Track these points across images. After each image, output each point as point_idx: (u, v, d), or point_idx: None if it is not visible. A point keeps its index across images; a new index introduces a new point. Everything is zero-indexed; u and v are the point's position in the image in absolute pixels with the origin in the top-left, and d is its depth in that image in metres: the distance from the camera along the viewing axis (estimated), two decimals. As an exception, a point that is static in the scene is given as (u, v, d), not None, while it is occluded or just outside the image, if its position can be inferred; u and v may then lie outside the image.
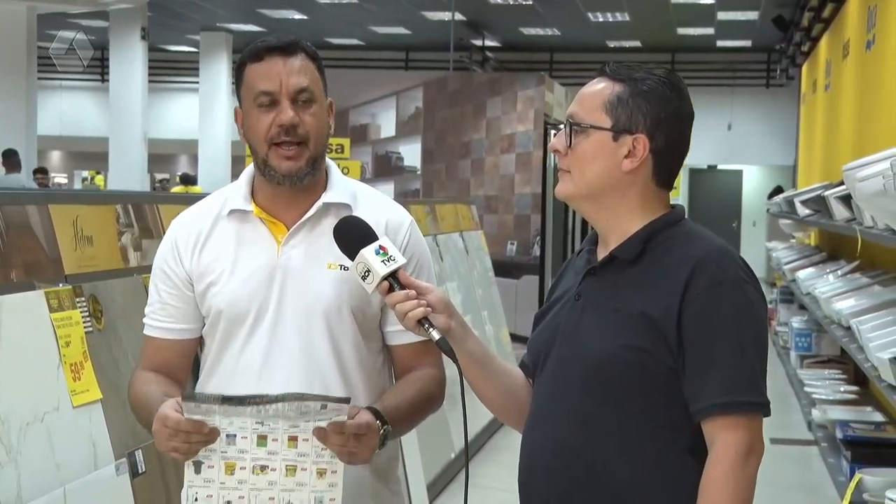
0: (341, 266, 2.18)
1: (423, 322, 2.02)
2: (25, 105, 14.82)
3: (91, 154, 24.58)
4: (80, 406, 2.71)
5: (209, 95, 20.20)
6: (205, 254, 2.24)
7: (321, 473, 2.04)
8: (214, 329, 2.25)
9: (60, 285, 2.77)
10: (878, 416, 6.48)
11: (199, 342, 2.32)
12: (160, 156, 24.12)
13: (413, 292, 2.03)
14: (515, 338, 8.74)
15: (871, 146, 6.89)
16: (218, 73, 20.20)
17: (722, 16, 17.07)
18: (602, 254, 2.08)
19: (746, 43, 19.83)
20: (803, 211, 8.18)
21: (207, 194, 2.40)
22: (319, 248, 2.21)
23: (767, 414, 1.95)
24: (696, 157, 20.97)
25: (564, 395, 2.03)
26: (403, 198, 11.33)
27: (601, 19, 17.76)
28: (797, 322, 9.18)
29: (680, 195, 19.72)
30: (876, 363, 4.39)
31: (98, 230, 3.03)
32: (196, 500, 2.04)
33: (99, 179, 23.32)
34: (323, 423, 2.02)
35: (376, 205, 2.30)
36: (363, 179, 9.18)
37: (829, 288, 6.87)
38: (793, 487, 6.63)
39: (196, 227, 2.27)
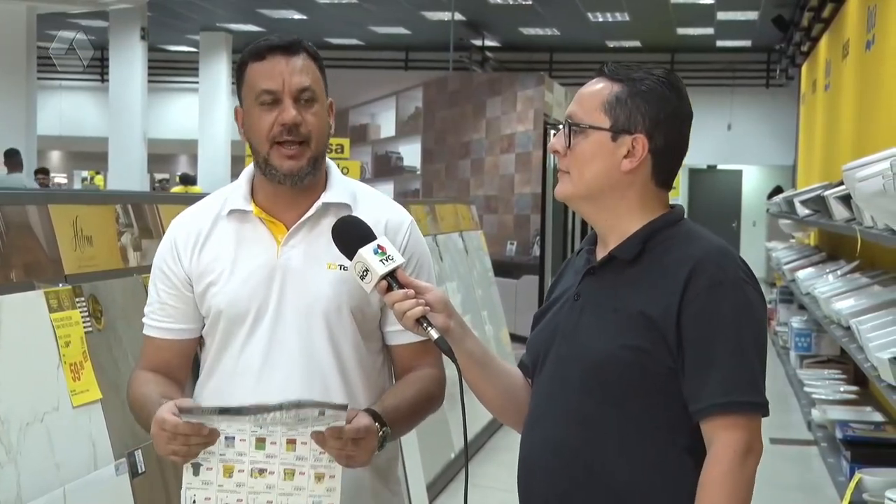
0: (341, 266, 2.18)
1: (421, 321, 2.02)
2: (25, 105, 14.82)
3: (91, 154, 24.58)
4: (80, 406, 2.71)
5: (209, 95, 20.20)
6: (204, 254, 2.24)
7: (319, 477, 2.04)
8: (214, 329, 2.25)
9: (60, 285, 2.77)
10: (878, 416, 6.49)
11: (199, 342, 2.32)
12: (160, 156, 24.11)
13: (412, 291, 2.03)
14: (515, 338, 8.74)
15: (871, 146, 6.89)
16: (218, 73, 20.20)
17: (722, 16, 17.07)
18: (601, 254, 2.08)
19: (746, 43, 19.83)
20: (803, 211, 8.18)
21: (207, 194, 2.40)
22: (319, 247, 2.21)
23: (766, 414, 1.95)
24: (696, 157, 20.98)
25: (563, 395, 2.03)
26: (403, 198, 11.32)
27: (601, 19, 17.76)
28: (797, 322, 9.18)
29: (680, 195, 19.69)
30: (876, 363, 4.39)
31: (98, 230, 3.03)
32: (194, 502, 2.04)
33: (98, 179, 23.32)
34: (321, 428, 2.02)
35: (376, 205, 2.30)
36: (363, 179, 9.17)
37: (829, 288, 6.87)
38: (792, 487, 6.63)
39: (196, 227, 2.27)
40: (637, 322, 1.96)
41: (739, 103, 21.54)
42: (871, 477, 4.70)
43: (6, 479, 2.40)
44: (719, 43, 19.91)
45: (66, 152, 27.71)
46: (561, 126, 2.08)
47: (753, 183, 23.25)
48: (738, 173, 23.54)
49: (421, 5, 17.03)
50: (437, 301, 2.05)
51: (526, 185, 12.53)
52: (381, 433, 2.10)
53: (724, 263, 1.97)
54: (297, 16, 18.33)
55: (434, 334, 2.02)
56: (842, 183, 5.44)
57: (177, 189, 18.14)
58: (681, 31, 18.78)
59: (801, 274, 8.43)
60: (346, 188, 2.28)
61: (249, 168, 2.30)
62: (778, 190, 15.43)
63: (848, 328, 5.44)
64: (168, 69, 23.36)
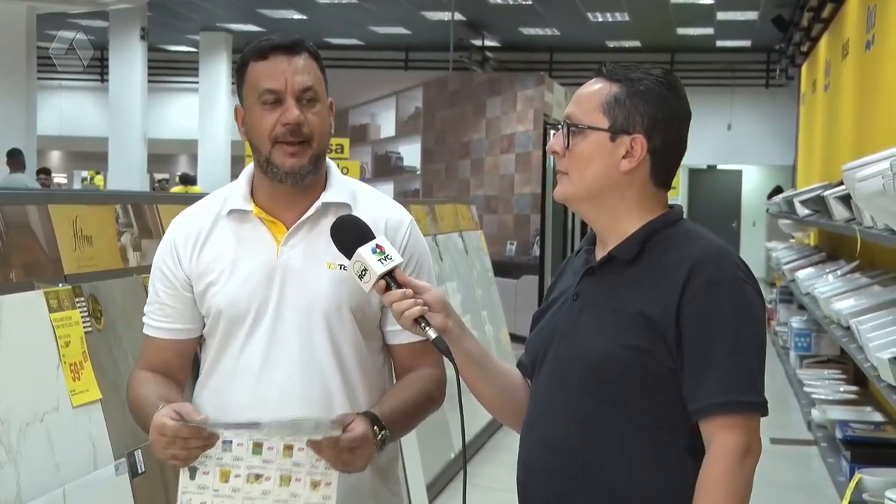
0: (341, 265, 2.18)
1: (419, 321, 2.02)
2: (25, 105, 14.81)
3: (90, 154, 24.58)
4: (80, 406, 2.71)
5: (209, 95, 20.20)
6: (204, 254, 2.24)
7: (315, 485, 2.03)
8: (215, 329, 2.25)
9: (60, 285, 2.77)
10: (878, 416, 6.49)
11: (199, 342, 2.32)
12: (160, 156, 24.12)
13: (410, 291, 2.03)
14: (515, 338, 8.74)
15: (871, 146, 6.89)
16: (218, 73, 20.20)
17: (721, 16, 17.07)
18: (600, 254, 2.08)
19: (746, 43, 19.83)
20: (803, 211, 8.18)
21: (207, 194, 2.40)
22: (319, 247, 2.21)
23: (765, 413, 1.95)
24: (696, 157, 20.99)
25: (563, 395, 2.03)
26: (403, 198, 11.32)
27: (601, 19, 17.76)
28: (797, 322, 9.18)
29: (679, 195, 19.72)
30: (875, 363, 4.39)
31: (98, 230, 3.03)
32: None
33: (98, 179, 23.31)
34: (318, 437, 2.02)
35: (376, 204, 2.30)
36: (363, 179, 9.17)
37: (829, 288, 6.87)
38: (792, 487, 6.63)
39: (195, 227, 2.27)
40: (636, 322, 1.96)
41: (739, 103, 21.54)
42: (870, 477, 4.70)
43: (6, 479, 2.40)
44: (719, 43, 19.91)
45: (65, 152, 27.71)
46: (560, 127, 2.08)
47: (753, 183, 23.26)
48: (738, 173, 23.54)
49: (421, 5, 17.03)
50: (435, 301, 2.05)
51: (526, 185, 12.52)
52: (379, 437, 2.10)
53: (723, 263, 1.97)
54: (297, 16, 18.33)
55: (432, 334, 2.02)
56: (842, 183, 5.44)
57: (177, 189, 18.14)
58: (681, 31, 18.78)
59: (800, 274, 8.43)
60: (345, 188, 2.28)
61: (249, 168, 2.30)
62: (778, 190, 15.44)
63: (848, 328, 5.44)
64: (168, 69, 23.36)
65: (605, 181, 2.02)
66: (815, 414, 7.08)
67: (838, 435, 6.09)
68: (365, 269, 2.04)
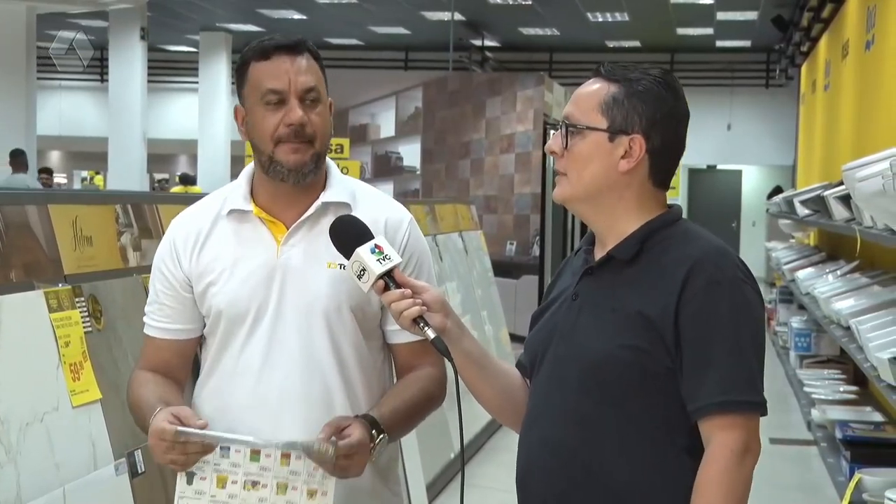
0: (341, 265, 2.18)
1: (418, 321, 2.02)
2: (25, 105, 14.81)
3: (90, 154, 24.58)
4: (80, 406, 2.71)
5: (209, 95, 20.20)
6: (204, 254, 2.24)
7: (311, 494, 2.03)
8: (215, 328, 2.25)
9: (60, 285, 2.77)
10: (878, 416, 6.49)
11: (200, 342, 2.32)
12: (160, 156, 24.12)
13: (408, 291, 2.03)
14: (515, 338, 8.73)
15: (871, 146, 6.89)
16: (217, 73, 20.20)
17: (721, 16, 17.07)
18: (599, 254, 2.08)
19: (746, 43, 19.83)
20: (803, 211, 8.18)
21: (207, 194, 2.40)
22: (319, 247, 2.21)
23: (764, 413, 1.95)
24: (696, 157, 21.00)
25: (561, 395, 2.03)
26: (403, 198, 11.31)
27: (600, 19, 17.76)
28: (796, 322, 9.18)
29: (679, 195, 19.71)
30: (875, 363, 4.39)
31: (97, 230, 3.03)
32: None
33: (98, 179, 23.32)
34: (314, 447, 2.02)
35: (375, 203, 2.30)
36: (363, 179, 9.16)
37: (829, 288, 6.88)
38: (792, 487, 6.63)
39: (195, 227, 2.27)
40: (635, 322, 1.96)
41: (739, 103, 21.54)
42: (870, 477, 4.70)
43: (6, 479, 2.40)
44: (719, 43, 19.91)
45: (65, 152, 27.71)
46: (558, 127, 2.08)
47: (753, 183, 23.25)
48: (738, 173, 23.54)
49: (421, 5, 17.03)
50: (434, 301, 2.05)
51: (526, 185, 12.52)
52: (378, 440, 2.11)
53: (722, 263, 1.97)
54: (297, 16, 18.33)
55: (431, 334, 2.02)
56: (841, 183, 5.44)
57: (176, 189, 18.14)
58: (680, 31, 18.78)
59: (800, 274, 8.43)
60: (345, 187, 2.28)
61: (249, 168, 2.30)
62: (778, 190, 15.44)
63: (848, 328, 5.44)
64: (168, 69, 23.36)
65: (604, 181, 2.02)
66: (815, 414, 7.08)
67: (838, 435, 6.09)
68: (364, 269, 2.04)
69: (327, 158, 2.29)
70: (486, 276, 8.45)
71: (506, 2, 16.56)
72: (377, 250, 2.05)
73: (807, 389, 7.80)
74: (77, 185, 26.00)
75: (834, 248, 9.52)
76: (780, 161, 20.95)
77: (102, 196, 4.02)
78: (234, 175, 2.37)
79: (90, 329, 2.84)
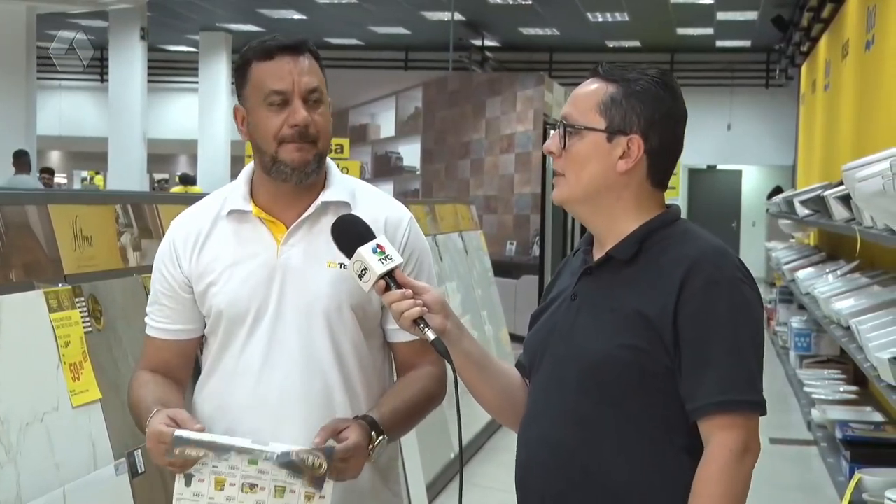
0: (341, 264, 2.18)
1: (418, 322, 2.02)
2: (25, 105, 14.81)
3: (90, 154, 24.57)
4: (80, 406, 2.71)
5: (209, 95, 20.20)
6: (204, 254, 2.25)
7: (309, 497, 2.03)
8: (216, 328, 2.25)
9: (60, 285, 2.77)
10: (878, 416, 6.49)
11: (200, 342, 2.32)
12: (160, 156, 24.11)
13: (409, 292, 2.03)
14: (515, 338, 8.73)
15: (871, 146, 6.89)
16: (217, 73, 20.20)
17: (721, 16, 17.07)
18: (598, 254, 2.08)
19: (746, 43, 19.83)
20: (803, 211, 8.18)
21: (207, 194, 2.40)
22: (319, 246, 2.21)
23: (763, 413, 1.95)
24: (696, 157, 20.99)
25: (560, 395, 2.03)
26: (403, 198, 11.27)
27: (600, 19, 17.76)
28: (796, 322, 9.18)
29: (679, 195, 19.74)
30: (875, 363, 4.39)
31: (97, 230, 3.03)
32: None
33: (98, 179, 23.32)
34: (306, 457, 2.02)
35: (375, 202, 2.30)
36: (363, 179, 9.16)
37: (829, 288, 6.88)
38: (792, 487, 6.63)
39: (195, 227, 2.27)
40: (634, 322, 1.96)
41: (739, 103, 21.54)
42: (870, 477, 4.70)
43: (6, 479, 2.40)
44: (719, 43, 19.91)
45: (65, 152, 27.71)
46: (556, 127, 2.08)
47: (753, 183, 23.25)
48: (738, 173, 23.54)
49: (421, 5, 17.03)
50: (434, 302, 2.05)
51: (526, 185, 12.52)
52: (377, 441, 2.12)
53: (721, 263, 1.97)
54: (297, 16, 18.34)
55: (430, 335, 2.02)
56: (841, 183, 5.44)
57: (176, 189, 18.14)
58: (680, 31, 18.78)
59: (800, 274, 8.43)
60: (345, 186, 2.28)
61: (248, 168, 2.30)
62: (778, 190, 15.43)
63: (848, 328, 5.44)
64: (168, 69, 23.36)
65: (602, 182, 2.02)
66: (815, 414, 7.08)
67: (838, 435, 6.09)
68: (365, 269, 2.04)
69: (327, 158, 2.29)
70: (486, 276, 8.45)
71: (506, 2, 16.56)
72: (379, 250, 2.05)
73: (807, 389, 7.80)
74: (77, 185, 26.00)
75: (834, 248, 9.52)
76: (780, 161, 20.95)
77: (102, 196, 4.02)
78: (234, 175, 2.37)
79: (90, 329, 2.84)
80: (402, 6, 17.06)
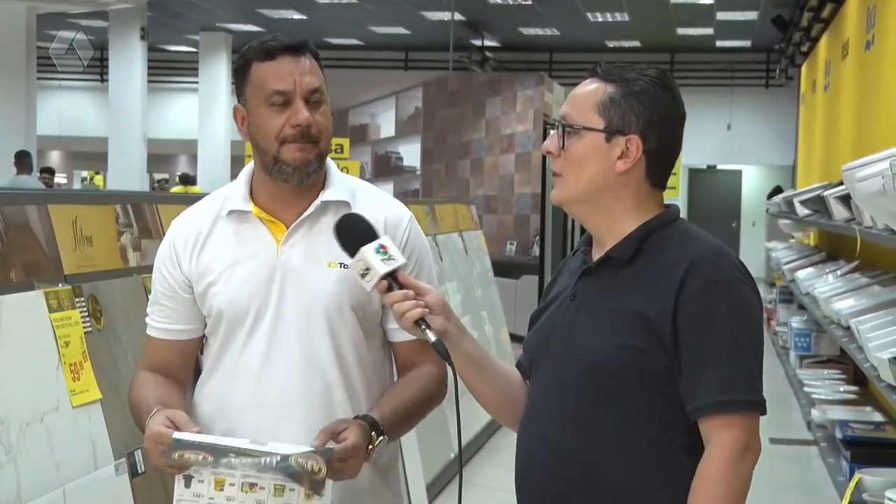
0: (341, 264, 2.19)
1: (419, 323, 2.02)
2: (25, 105, 14.81)
3: (90, 154, 24.58)
4: (80, 406, 2.71)
5: (209, 95, 20.20)
6: (204, 254, 2.25)
7: (309, 496, 2.03)
8: (217, 328, 2.25)
9: (60, 285, 2.77)
10: (878, 416, 6.49)
11: (201, 342, 2.32)
12: (160, 156, 24.12)
13: (411, 292, 2.03)
14: (515, 338, 8.73)
15: (871, 146, 6.89)
16: (217, 73, 20.20)
17: (721, 16, 17.07)
18: (597, 255, 2.08)
19: (746, 43, 19.83)
20: (803, 211, 8.18)
21: (207, 194, 2.40)
22: (319, 246, 2.21)
23: (764, 412, 1.95)
24: (696, 157, 20.99)
25: (559, 396, 2.03)
26: (403, 198, 11.26)
27: (600, 19, 17.76)
28: (796, 322, 9.18)
29: (679, 195, 19.75)
30: (875, 363, 4.39)
31: (97, 230, 3.03)
32: None
33: (98, 179, 23.33)
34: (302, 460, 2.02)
35: (375, 202, 2.30)
36: (363, 179, 9.16)
37: (829, 288, 6.88)
38: (792, 487, 6.63)
39: (195, 227, 2.27)
40: (633, 322, 1.96)
41: (739, 103, 21.54)
42: (870, 477, 4.70)
43: (6, 479, 2.40)
44: (719, 43, 19.91)
45: (65, 152, 27.71)
46: (555, 127, 2.08)
47: (753, 183, 23.25)
48: (738, 173, 23.54)
49: (421, 5, 17.03)
50: (436, 303, 2.05)
51: (526, 185, 12.52)
52: (377, 441, 2.12)
53: (721, 263, 1.97)
54: (297, 16, 18.34)
55: (432, 337, 2.02)
56: (841, 183, 5.44)
57: (177, 189, 18.14)
58: (680, 31, 18.78)
59: (800, 274, 8.43)
60: (345, 186, 2.28)
61: (248, 168, 2.30)
62: (778, 190, 15.44)
63: (848, 328, 5.44)
64: (168, 69, 23.36)
65: (601, 182, 2.02)
66: (815, 414, 7.08)
67: (838, 435, 6.09)
68: (367, 269, 2.04)
69: (327, 158, 2.29)
70: (486, 276, 8.45)
71: (506, 2, 16.56)
72: (382, 250, 2.05)
73: (807, 389, 7.80)
74: (77, 185, 25.99)
75: (834, 248, 9.52)
76: (780, 161, 20.95)
77: (102, 196, 4.02)
78: (234, 175, 2.37)
79: (90, 329, 2.84)
80: (402, 6, 17.07)
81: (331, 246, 2.15)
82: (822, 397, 7.34)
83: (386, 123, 13.47)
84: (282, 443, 2.06)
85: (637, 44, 20.33)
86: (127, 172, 16.51)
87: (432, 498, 5.59)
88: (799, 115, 17.30)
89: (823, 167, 11.85)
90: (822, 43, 12.90)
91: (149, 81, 17.34)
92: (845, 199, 5.61)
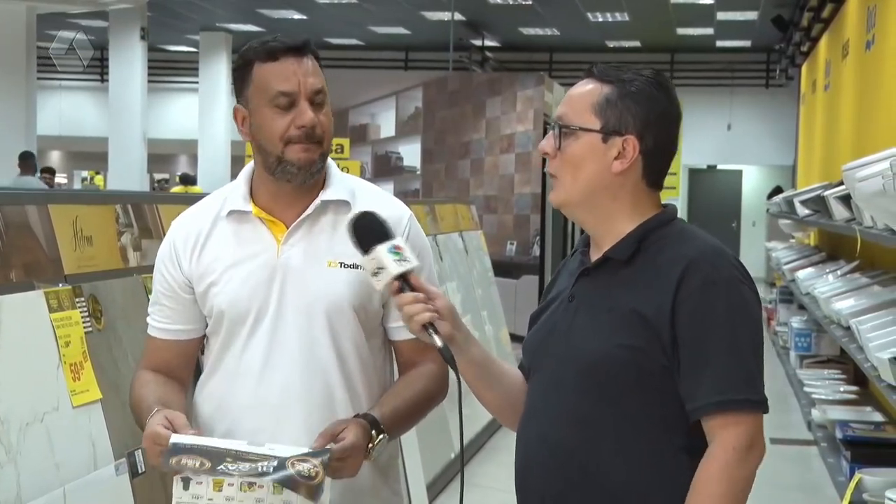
0: (341, 264, 2.19)
1: (427, 327, 2.02)
2: (25, 105, 14.82)
3: (90, 154, 24.58)
4: (80, 406, 2.70)
5: (209, 95, 20.20)
6: (204, 255, 2.25)
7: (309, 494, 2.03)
8: (218, 328, 2.25)
9: (60, 285, 2.77)
10: (878, 416, 6.49)
11: (201, 342, 2.32)
12: (160, 156, 24.12)
13: (422, 295, 2.03)
14: (515, 338, 8.73)
15: (871, 146, 6.89)
16: (217, 73, 20.20)
17: (721, 16, 17.07)
18: (595, 255, 2.08)
19: (746, 43, 19.83)
20: (803, 211, 8.18)
21: (207, 194, 2.40)
22: (319, 246, 2.21)
23: (765, 411, 1.95)
24: (696, 157, 21.00)
25: (559, 396, 2.03)
26: (403, 197, 11.26)
27: (601, 19, 17.76)
28: (797, 322, 9.18)
29: (679, 195, 19.73)
30: (875, 363, 4.39)
31: (98, 230, 3.03)
32: None
33: (98, 179, 23.32)
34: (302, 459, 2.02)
35: (375, 200, 2.29)
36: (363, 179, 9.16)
37: (829, 288, 6.87)
38: (792, 487, 6.63)
39: (195, 228, 2.27)
40: (631, 321, 1.96)
41: (739, 103, 21.54)
42: (871, 477, 4.70)
43: (6, 479, 2.40)
44: (719, 43, 19.91)
45: (65, 152, 27.71)
46: (551, 128, 2.08)
47: (753, 183, 23.25)
48: (738, 173, 23.54)
49: (421, 5, 17.04)
50: (445, 309, 2.04)
51: (525, 185, 12.53)
52: (378, 440, 2.12)
53: (719, 263, 1.97)
54: (297, 16, 18.34)
55: (438, 342, 2.01)
56: (842, 183, 5.44)
57: (177, 189, 18.14)
58: (680, 31, 18.79)
59: (801, 274, 8.43)
60: (344, 185, 2.28)
61: (248, 168, 2.30)
62: (778, 190, 15.43)
63: (848, 328, 5.44)
64: (168, 69, 23.37)
65: (598, 183, 2.02)
66: (815, 414, 7.08)
67: (838, 435, 6.09)
68: (380, 268, 2.03)
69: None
70: (486, 276, 8.45)
71: (506, 2, 16.57)
72: (396, 251, 2.04)
73: (807, 389, 7.79)
74: (77, 185, 25.99)
75: (834, 248, 9.51)
76: (780, 161, 20.95)
77: (102, 196, 4.02)
78: (234, 175, 2.37)
79: (90, 329, 2.84)
80: (402, 6, 17.07)
81: (331, 245, 2.15)
82: (823, 397, 7.34)
83: (386, 123, 13.48)
84: (280, 444, 2.06)
85: (637, 44, 20.33)
86: (127, 172, 16.51)
87: (433, 497, 5.59)
88: (799, 115, 17.30)
89: (823, 167, 11.85)
90: (823, 43, 12.90)
91: (149, 81, 17.34)
92: (845, 199, 5.61)
